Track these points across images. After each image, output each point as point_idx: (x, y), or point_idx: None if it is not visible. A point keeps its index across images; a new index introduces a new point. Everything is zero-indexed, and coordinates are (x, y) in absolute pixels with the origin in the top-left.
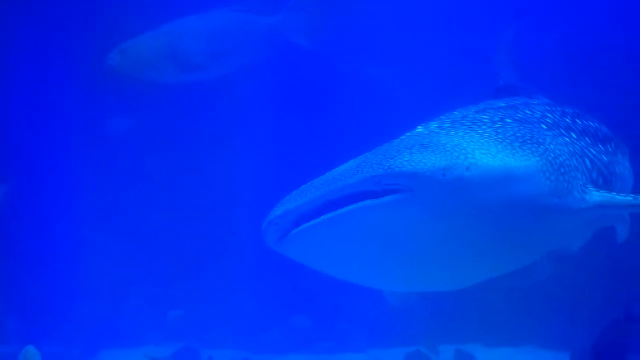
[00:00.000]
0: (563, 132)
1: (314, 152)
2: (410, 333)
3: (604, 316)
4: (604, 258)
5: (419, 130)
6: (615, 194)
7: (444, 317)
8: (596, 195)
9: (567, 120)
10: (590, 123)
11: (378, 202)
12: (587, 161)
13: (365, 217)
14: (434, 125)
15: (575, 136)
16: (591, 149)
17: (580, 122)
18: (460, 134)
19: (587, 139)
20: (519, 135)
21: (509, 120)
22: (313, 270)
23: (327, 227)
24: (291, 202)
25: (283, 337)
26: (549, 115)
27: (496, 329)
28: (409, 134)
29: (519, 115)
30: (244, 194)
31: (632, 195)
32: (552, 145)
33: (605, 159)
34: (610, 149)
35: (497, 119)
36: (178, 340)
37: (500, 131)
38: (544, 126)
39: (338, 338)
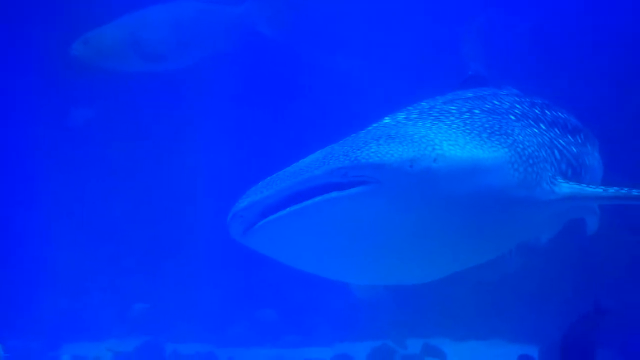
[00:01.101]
0: (532, 123)
1: (280, 143)
2: (377, 326)
3: (572, 309)
4: (573, 250)
5: (386, 121)
6: (584, 185)
7: (411, 310)
8: (565, 187)
9: (536, 111)
10: (559, 114)
11: (344, 194)
12: (556, 152)
13: (331, 208)
14: (401, 115)
15: (544, 127)
16: (560, 140)
17: (549, 113)
18: (428, 125)
19: (556, 130)
20: (487, 126)
21: (476, 111)
22: (279, 262)
23: (292, 219)
24: (256, 193)
25: (248, 331)
26: (518, 106)
27: (464, 322)
28: (375, 125)
29: (487, 106)
30: (209, 186)
31: (602, 187)
32: (520, 136)
33: (575, 150)
34: (579, 140)
35: (464, 109)
36: (142, 333)
37: (468, 122)
38: (512, 117)
39: (304, 331)
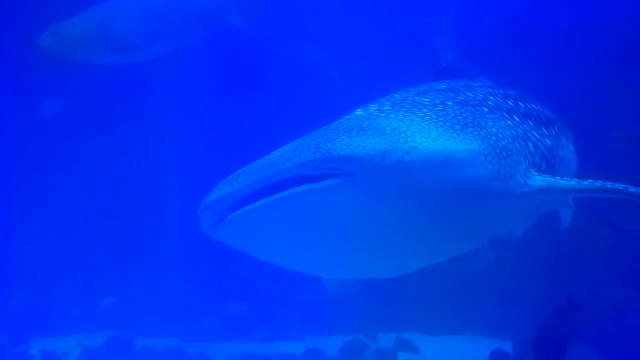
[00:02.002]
0: (505, 115)
1: (251, 136)
2: (349, 321)
3: (546, 303)
4: (547, 244)
5: (358, 113)
6: (558, 178)
7: (383, 304)
8: (539, 180)
9: (510, 103)
10: (533, 106)
11: (316, 187)
12: (530, 145)
13: (302, 202)
14: (373, 108)
15: (517, 119)
16: (534, 133)
17: (523, 105)
18: (400, 117)
19: (530, 122)
20: (460, 118)
21: (450, 103)
22: (250, 256)
23: (263, 212)
24: (227, 186)
25: (219, 325)
26: (491, 98)
27: (437, 316)
28: (347, 117)
29: (460, 98)
30: (179, 179)
31: (576, 179)
32: (494, 129)
33: (549, 142)
34: (553, 133)
35: (437, 101)
36: (111, 328)
37: (441, 114)
38: (485, 109)
39: (275, 326)
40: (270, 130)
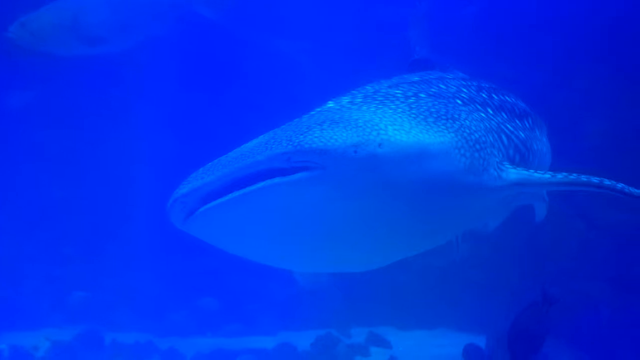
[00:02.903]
0: (479, 107)
1: (221, 128)
2: (321, 315)
3: (520, 297)
4: (521, 238)
5: (330, 105)
6: (532, 171)
7: (356, 298)
8: (513, 173)
9: (483, 95)
10: (507, 98)
11: (287, 180)
12: (504, 137)
13: (273, 195)
14: (345, 100)
15: (491, 112)
16: (508, 125)
17: (496, 97)
18: (372, 109)
19: (503, 114)
20: (432, 110)
21: (422, 95)
22: (221, 250)
23: (234, 205)
24: (198, 179)
25: (189, 319)
26: (464, 90)
27: (410, 311)
28: (319, 109)
29: (433, 90)
30: (148, 172)
31: (550, 172)
32: (467, 121)
33: (523, 135)
34: (527, 125)
35: (410, 93)
36: (80, 322)
37: (413, 106)
38: (458, 101)
39: (246, 320)
40: (241, 122)
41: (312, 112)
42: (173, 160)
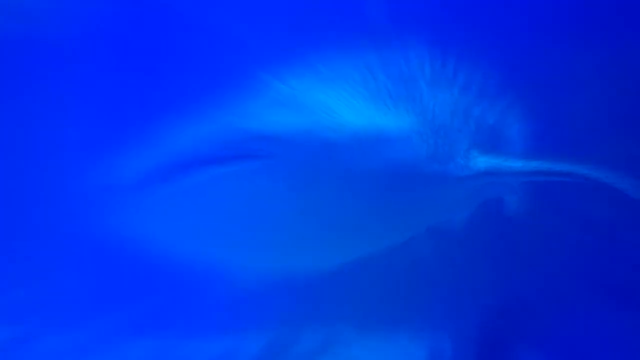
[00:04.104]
0: (444, 88)
1: (151, 108)
2: (270, 318)
3: (489, 299)
4: (490, 234)
5: (277, 85)
6: (502, 159)
7: (310, 299)
8: (481, 161)
9: (449, 74)
10: (476, 77)
11: (234, 168)
12: (471, 122)
13: (219, 183)
14: (295, 80)
15: (457, 93)
16: (476, 108)
17: (463, 77)
18: (326, 91)
19: (471, 96)
20: (392, 91)
21: (380, 75)
22: (160, 249)
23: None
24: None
25: (127, 322)
26: (428, 68)
27: (368, 312)
28: (265, 90)
29: (393, 68)
30: (76, 157)
31: (522, 160)
32: (430, 104)
33: (492, 119)
34: (498, 108)
35: (367, 72)
36: (10, 324)
37: (371, 87)
38: (421, 81)
39: (188, 323)
40: (172, 101)
41: (258, 93)
42: (102, 144)
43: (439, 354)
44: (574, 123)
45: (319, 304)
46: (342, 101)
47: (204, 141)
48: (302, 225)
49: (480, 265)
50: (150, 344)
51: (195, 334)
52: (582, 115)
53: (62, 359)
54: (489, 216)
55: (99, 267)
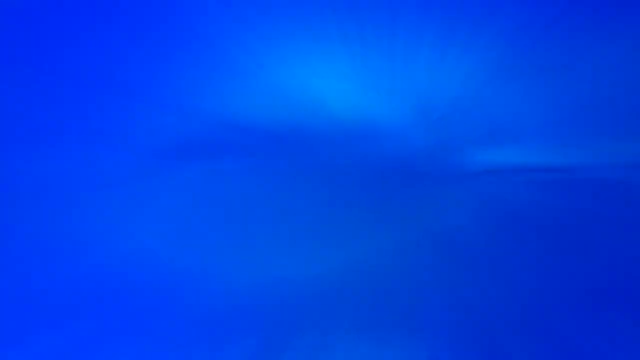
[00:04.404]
0: (442, 78)
1: (132, 99)
2: (261, 322)
3: (488, 302)
4: (490, 234)
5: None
6: (505, 156)
7: (300, 303)
8: (483, 158)
9: (449, 63)
10: (479, 67)
11: (218, 165)
12: (471, 116)
13: (203, 180)
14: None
15: (457, 84)
16: (478, 101)
17: (464, 66)
18: (315, 82)
19: (472, 87)
20: (385, 82)
21: (374, 57)
22: (140, 249)
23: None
24: None
25: (107, 325)
26: (425, 57)
27: (362, 317)
28: (251, 82)
29: (385, 51)
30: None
31: (525, 158)
32: (427, 95)
33: (494, 113)
34: (500, 101)
35: (358, 55)
36: None
37: (363, 78)
38: (418, 71)
39: (172, 328)
40: (154, 93)
41: (241, 84)
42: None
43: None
44: (579, 118)
45: (310, 309)
46: (332, 93)
47: (184, 136)
48: (289, 226)
49: (481, 266)
50: (133, 349)
51: (179, 340)
52: (587, 110)
53: None
54: (489, 216)
55: (75, 268)
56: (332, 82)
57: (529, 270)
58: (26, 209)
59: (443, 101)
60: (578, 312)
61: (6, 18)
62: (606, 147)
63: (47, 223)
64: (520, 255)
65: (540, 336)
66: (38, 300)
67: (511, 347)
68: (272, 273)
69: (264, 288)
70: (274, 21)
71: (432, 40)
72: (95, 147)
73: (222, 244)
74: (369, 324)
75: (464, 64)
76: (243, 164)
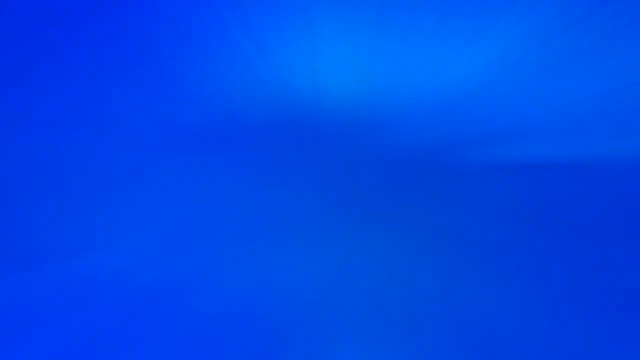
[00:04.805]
0: (450, 66)
1: (125, 89)
2: (261, 324)
3: (488, 302)
4: (490, 235)
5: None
6: (509, 153)
7: (301, 304)
8: (486, 155)
9: (459, 47)
10: (491, 50)
11: (213, 159)
12: (478, 110)
13: (198, 175)
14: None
15: (464, 74)
16: (481, 95)
17: (476, 51)
18: (316, 70)
19: (478, 78)
20: (390, 69)
21: (376, 50)
22: (131, 248)
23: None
24: None
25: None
26: (434, 44)
27: (362, 318)
28: (248, 70)
29: (391, 42)
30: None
31: (529, 155)
32: (434, 85)
33: (501, 107)
34: (508, 94)
35: (363, 48)
36: None
37: (365, 65)
38: (424, 58)
39: (166, 333)
40: (146, 84)
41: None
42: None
43: None
44: (584, 115)
45: (310, 309)
46: (335, 90)
47: (184, 131)
48: (291, 223)
49: (480, 267)
50: (133, 349)
51: (179, 340)
52: (592, 107)
53: None
54: (492, 213)
55: (78, 265)
56: (336, 79)
57: (533, 268)
58: (26, 207)
59: (446, 98)
60: (581, 310)
61: (10, 8)
62: (611, 145)
63: (47, 220)
64: (524, 252)
65: (542, 335)
66: (38, 300)
67: (513, 347)
68: (272, 272)
69: (264, 288)
70: (277, 15)
71: (435, 37)
72: (95, 143)
73: (222, 242)
74: (370, 324)
75: (466, 61)
76: (246, 159)
